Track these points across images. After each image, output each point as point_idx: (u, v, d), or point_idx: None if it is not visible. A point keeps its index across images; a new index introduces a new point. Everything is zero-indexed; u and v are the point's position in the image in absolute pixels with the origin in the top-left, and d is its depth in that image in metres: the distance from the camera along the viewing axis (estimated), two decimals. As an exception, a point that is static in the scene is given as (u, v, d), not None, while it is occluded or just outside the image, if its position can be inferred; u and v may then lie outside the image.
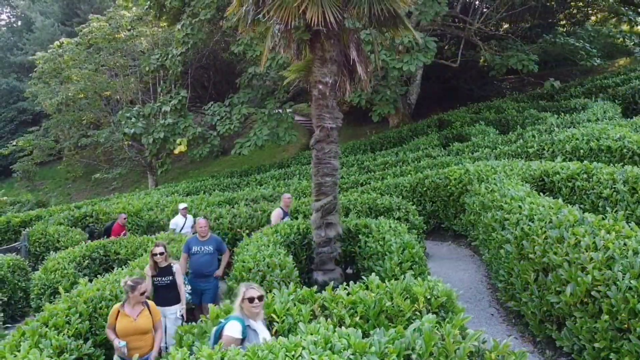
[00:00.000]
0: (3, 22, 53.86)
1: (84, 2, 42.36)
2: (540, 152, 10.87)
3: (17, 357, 4.33)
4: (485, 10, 22.20)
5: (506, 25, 28.53)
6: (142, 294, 5.03)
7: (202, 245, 7.24)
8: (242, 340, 4.08)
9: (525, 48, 20.64)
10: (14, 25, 53.05)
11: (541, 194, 7.92)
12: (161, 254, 6.31)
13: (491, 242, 7.15)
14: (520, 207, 6.55)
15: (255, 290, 4.27)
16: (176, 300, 6.43)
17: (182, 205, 10.24)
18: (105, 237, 10.64)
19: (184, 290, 6.61)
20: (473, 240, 9.03)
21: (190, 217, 10.22)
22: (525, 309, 5.75)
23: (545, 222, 5.70)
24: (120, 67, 26.41)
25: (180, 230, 9.79)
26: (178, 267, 6.57)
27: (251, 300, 4.21)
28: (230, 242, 9.90)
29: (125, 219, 11.09)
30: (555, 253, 5.13)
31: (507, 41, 22.39)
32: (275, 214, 9.04)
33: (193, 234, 8.69)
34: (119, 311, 5.01)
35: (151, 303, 5.26)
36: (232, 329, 4.10)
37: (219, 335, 4.15)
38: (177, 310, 6.38)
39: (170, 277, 6.41)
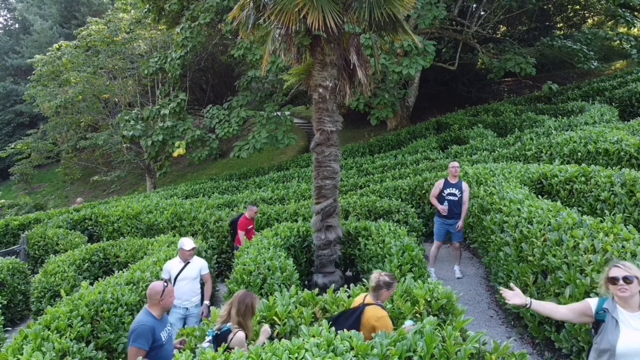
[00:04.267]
0: (0, 25, 53.81)
1: (82, 5, 42.39)
2: (538, 154, 10.92)
3: (20, 360, 4.36)
4: (482, 13, 22.29)
5: (504, 28, 28.67)
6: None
7: None
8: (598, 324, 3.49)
9: (522, 51, 20.72)
10: (11, 28, 53.04)
11: (540, 196, 7.99)
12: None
13: (490, 245, 7.20)
14: (519, 209, 6.59)
15: (621, 269, 3.39)
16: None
17: (186, 244, 6.60)
18: (231, 232, 9.66)
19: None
20: (472, 243, 9.08)
21: (198, 260, 6.78)
22: (524, 310, 5.79)
23: (544, 225, 5.75)
24: (118, 69, 26.44)
25: (174, 282, 6.34)
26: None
27: (613, 280, 3.42)
28: (230, 245, 9.94)
29: (256, 212, 9.37)
30: (554, 255, 5.17)
31: (504, 44, 22.48)
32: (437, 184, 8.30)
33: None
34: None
35: None
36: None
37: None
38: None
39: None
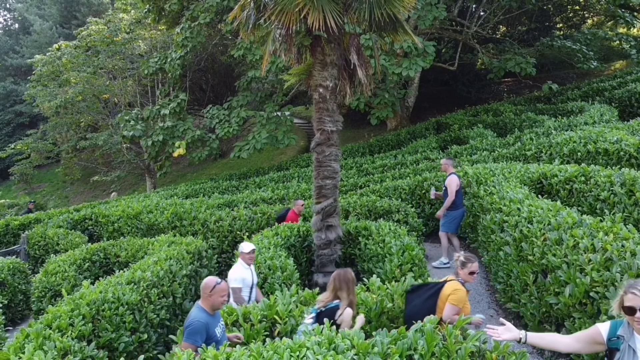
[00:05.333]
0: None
1: (82, 5, 42.38)
2: (538, 154, 10.94)
3: (21, 359, 4.37)
4: (482, 13, 22.31)
5: (503, 29, 28.68)
6: (472, 273, 4.61)
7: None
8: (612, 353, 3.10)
9: (522, 51, 20.75)
10: (11, 28, 53.05)
11: (539, 196, 8.01)
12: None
13: (490, 244, 7.22)
14: (519, 209, 6.61)
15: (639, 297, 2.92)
16: None
17: (245, 247, 6.26)
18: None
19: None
20: (472, 243, 9.09)
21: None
22: (524, 310, 5.80)
23: (544, 224, 5.77)
24: (118, 70, 26.45)
25: (250, 294, 6.18)
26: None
27: (630, 311, 2.95)
28: (231, 245, 9.95)
29: (302, 205, 9.51)
30: (554, 255, 5.19)
31: (504, 44, 22.51)
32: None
33: None
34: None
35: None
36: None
37: None
38: None
39: None
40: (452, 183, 8.52)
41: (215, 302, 4.47)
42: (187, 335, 4.31)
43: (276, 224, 8.98)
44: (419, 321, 3.73)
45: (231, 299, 5.96)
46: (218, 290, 4.45)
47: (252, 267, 6.31)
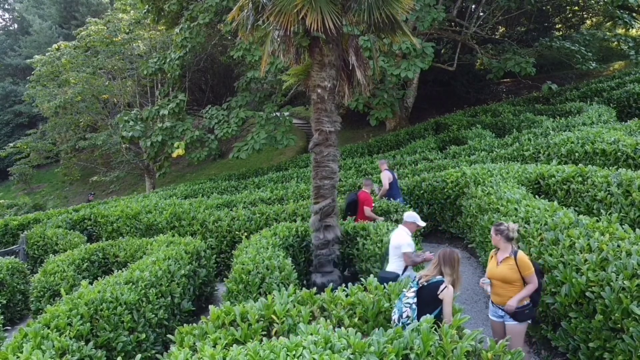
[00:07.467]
0: (-1, 25, 53.83)
1: (82, 5, 42.38)
2: (536, 155, 10.97)
3: (19, 359, 4.39)
4: (481, 14, 22.34)
5: (502, 29, 28.71)
6: (509, 239, 4.87)
7: None
8: None
9: (521, 52, 20.78)
10: (10, 27, 53.05)
11: (537, 196, 8.03)
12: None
13: (488, 245, 7.22)
14: (516, 209, 6.63)
15: None
16: None
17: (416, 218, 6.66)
18: (349, 213, 9.29)
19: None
20: (470, 243, 9.11)
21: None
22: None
23: (541, 225, 5.79)
24: (118, 70, 26.46)
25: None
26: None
27: None
28: (229, 245, 9.97)
29: (371, 186, 9.57)
30: (550, 255, 5.21)
31: (503, 45, 22.54)
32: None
33: None
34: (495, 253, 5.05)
35: (520, 255, 4.81)
36: None
37: None
38: None
39: None
40: (384, 177, 10.24)
41: None
42: None
43: (347, 214, 9.26)
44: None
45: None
46: None
47: None
